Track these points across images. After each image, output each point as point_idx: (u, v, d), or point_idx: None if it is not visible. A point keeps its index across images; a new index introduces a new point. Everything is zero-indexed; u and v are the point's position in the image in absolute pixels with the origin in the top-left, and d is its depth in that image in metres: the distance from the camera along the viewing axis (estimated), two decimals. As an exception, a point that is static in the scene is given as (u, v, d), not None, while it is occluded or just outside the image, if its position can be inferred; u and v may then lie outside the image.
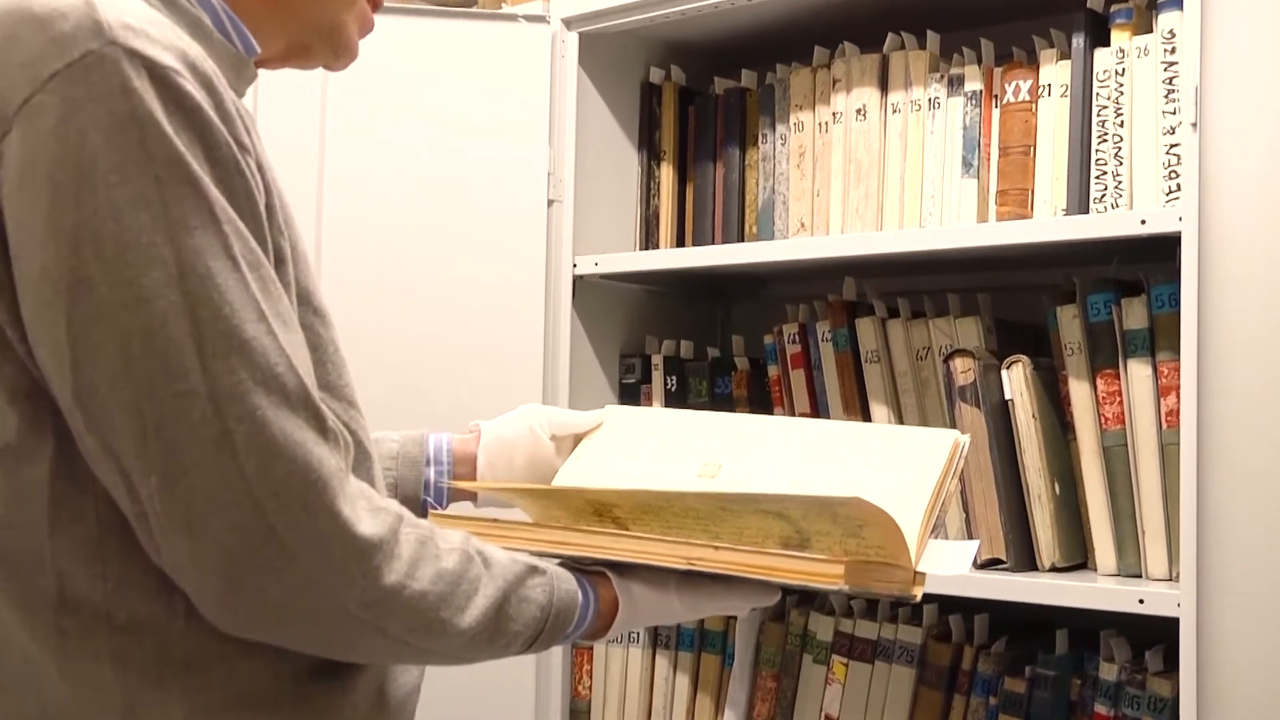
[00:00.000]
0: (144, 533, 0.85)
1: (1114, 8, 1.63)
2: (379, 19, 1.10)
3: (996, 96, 1.72)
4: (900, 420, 1.78)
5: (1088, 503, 1.64)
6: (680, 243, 2.04)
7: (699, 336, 2.10)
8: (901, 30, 1.81)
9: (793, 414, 1.88)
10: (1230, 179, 1.46)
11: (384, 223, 1.93)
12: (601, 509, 1.12)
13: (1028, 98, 1.68)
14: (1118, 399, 1.60)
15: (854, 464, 1.17)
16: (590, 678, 2.00)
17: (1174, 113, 1.55)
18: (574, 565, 1.05)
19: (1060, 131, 1.65)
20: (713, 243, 1.98)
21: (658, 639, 1.97)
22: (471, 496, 1.27)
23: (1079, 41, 1.64)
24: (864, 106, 1.81)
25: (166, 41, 0.84)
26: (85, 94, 0.81)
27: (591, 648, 1.99)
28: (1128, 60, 1.60)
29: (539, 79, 1.96)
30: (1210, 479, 1.44)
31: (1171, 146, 1.55)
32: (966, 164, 1.73)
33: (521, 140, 1.95)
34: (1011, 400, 1.65)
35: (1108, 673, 1.60)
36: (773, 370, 1.91)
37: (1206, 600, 1.44)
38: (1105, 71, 1.62)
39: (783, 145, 1.91)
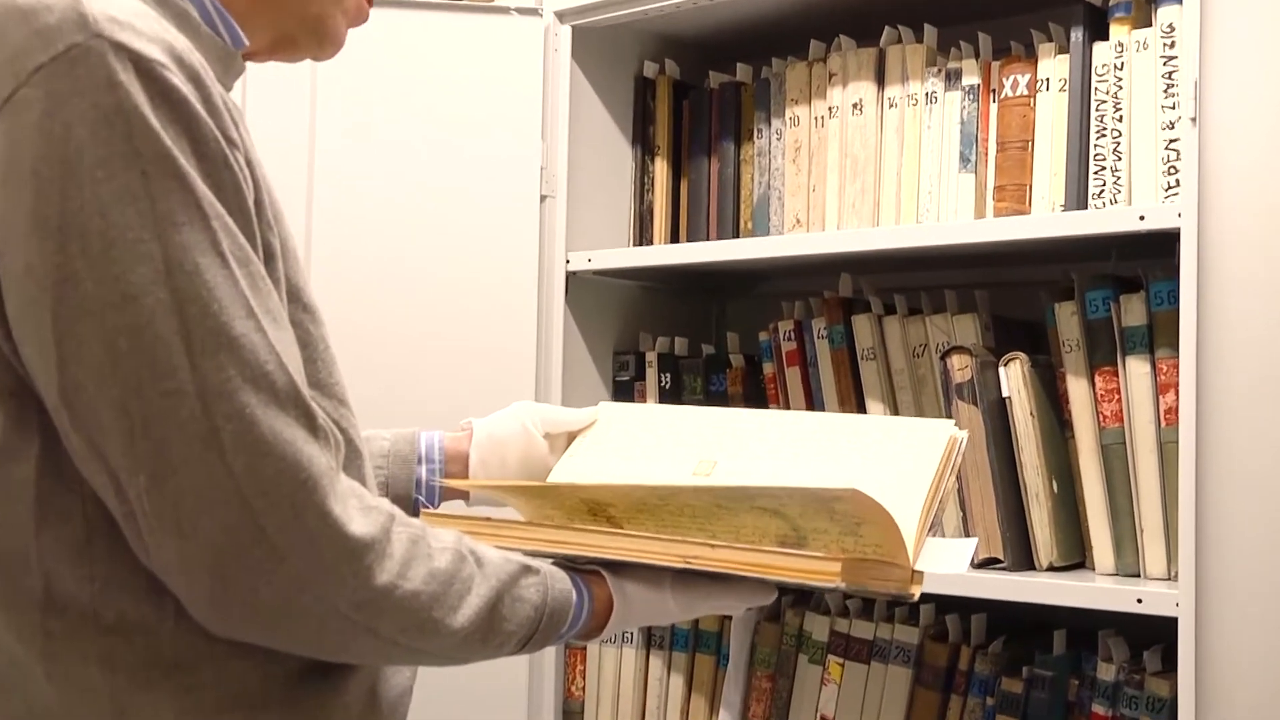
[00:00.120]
0: (132, 533, 0.85)
1: (1113, 1, 1.62)
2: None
3: (994, 91, 1.71)
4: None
5: (1086, 501, 1.63)
6: (674, 239, 2.03)
7: (693, 333, 2.09)
8: (898, 24, 1.81)
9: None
10: (1230, 175, 1.45)
11: (375, 218, 1.92)
12: (596, 507, 1.11)
13: (1026, 92, 1.67)
14: (1116, 397, 1.59)
15: (850, 459, 1.17)
16: (584, 678, 1.99)
17: (1173, 107, 1.54)
18: (568, 564, 1.05)
19: (1058, 126, 1.64)
20: (707, 239, 1.97)
21: (652, 639, 1.96)
22: (464, 495, 1.26)
23: (1077, 35, 1.63)
24: (860, 101, 1.80)
25: (153, 34, 0.83)
26: (70, 88, 0.81)
27: (585, 648, 1.98)
28: (1126, 54, 1.59)
29: (531, 73, 1.95)
30: (1209, 477, 1.44)
31: (1170, 142, 1.54)
32: (964, 159, 1.72)
33: (514, 135, 1.94)
34: (1009, 398, 1.64)
35: (1105, 673, 1.60)
36: (768, 367, 1.91)
37: (1205, 600, 1.43)
38: (1104, 66, 1.61)
39: (778, 140, 1.90)
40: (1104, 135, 1.60)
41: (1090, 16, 1.63)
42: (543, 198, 1.95)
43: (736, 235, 1.94)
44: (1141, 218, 1.51)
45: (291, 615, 0.86)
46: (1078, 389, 1.63)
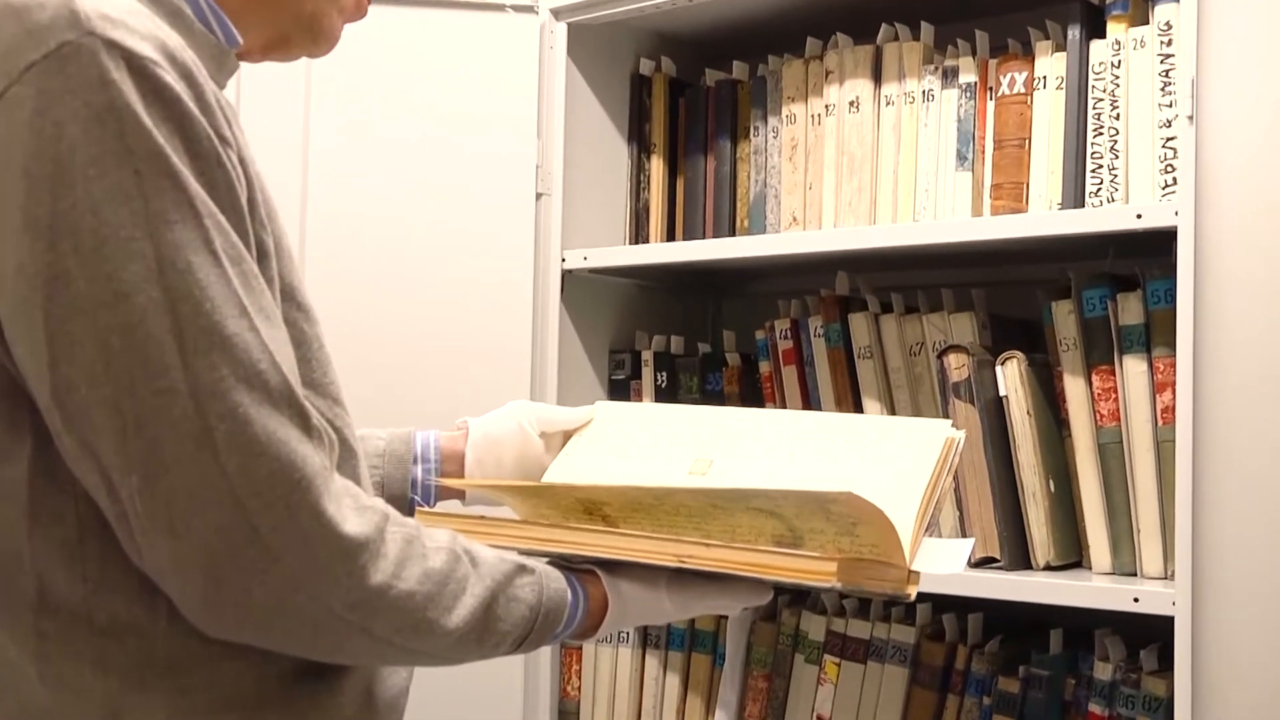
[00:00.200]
0: (125, 534, 0.84)
1: (1110, -1, 1.62)
2: (363, 8, 1.08)
3: (991, 89, 1.70)
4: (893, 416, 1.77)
5: (1082, 500, 1.63)
6: (670, 237, 2.02)
7: (690, 332, 2.09)
8: (895, 21, 1.80)
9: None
10: (1227, 173, 1.44)
11: (370, 217, 1.91)
12: (591, 507, 1.10)
13: (1023, 90, 1.67)
14: (1113, 395, 1.59)
15: (847, 459, 1.16)
16: (579, 678, 1.99)
17: (1170, 105, 1.54)
18: (563, 564, 1.04)
19: (1055, 124, 1.64)
20: (703, 237, 1.97)
21: (647, 638, 1.96)
22: (459, 495, 1.26)
23: (1074, 33, 1.62)
24: (857, 98, 1.80)
25: (145, 32, 0.83)
26: (62, 85, 0.80)
27: (580, 647, 1.98)
28: (1124, 52, 1.59)
29: (527, 70, 1.95)
30: (1206, 476, 1.43)
31: (1168, 140, 1.53)
32: (961, 157, 1.71)
33: (509, 133, 1.94)
34: (1006, 397, 1.64)
35: (1102, 672, 1.59)
36: (764, 366, 1.90)
37: (1202, 599, 1.43)
38: (1101, 64, 1.61)
39: (775, 138, 1.89)
40: (1101, 133, 1.60)
41: (1087, 14, 1.63)
42: (538, 195, 1.94)
43: (733, 233, 1.94)
44: (1138, 216, 1.51)
45: (285, 616, 0.85)
46: (1075, 388, 1.63)
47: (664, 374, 1.99)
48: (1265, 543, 1.41)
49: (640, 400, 1.99)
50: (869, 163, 1.79)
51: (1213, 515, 1.43)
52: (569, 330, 1.97)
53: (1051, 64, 1.65)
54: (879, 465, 1.14)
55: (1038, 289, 1.71)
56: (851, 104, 1.80)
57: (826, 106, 1.83)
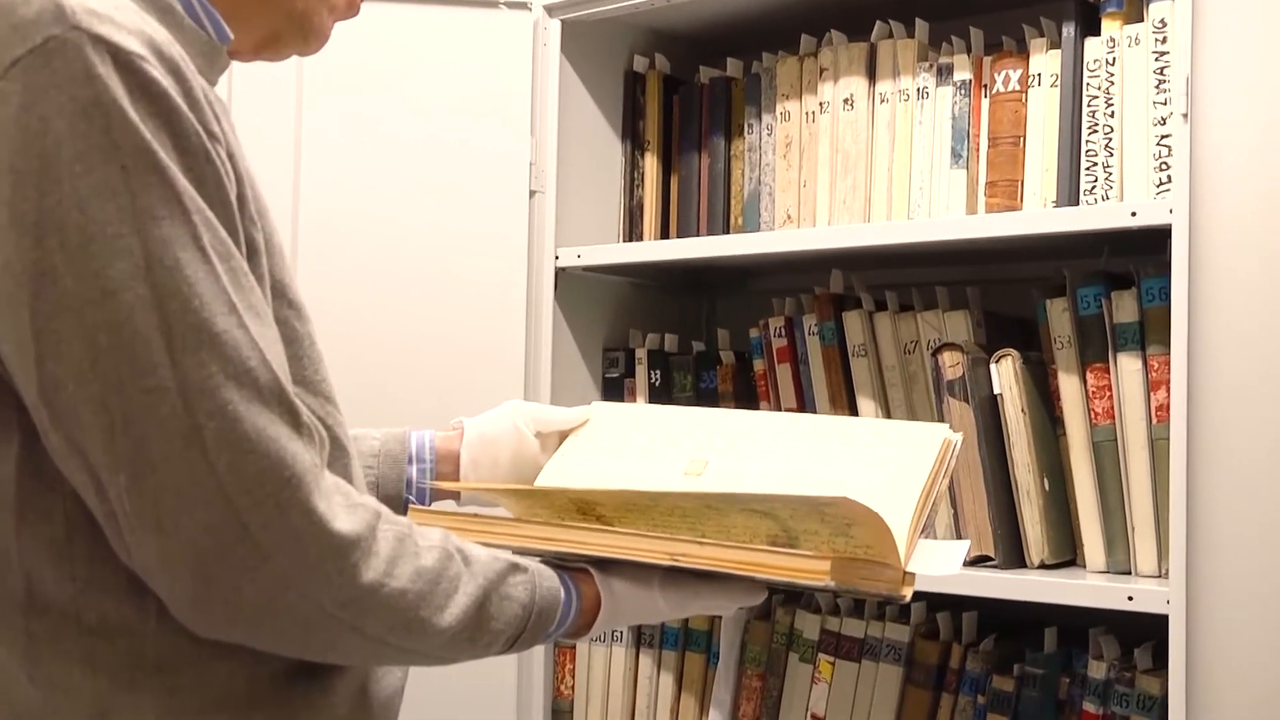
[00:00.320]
0: (113, 532, 0.84)
1: (1105, -4, 1.61)
2: (356, 5, 1.07)
3: (986, 86, 1.70)
4: (888, 415, 1.77)
5: (1077, 499, 1.62)
6: (664, 234, 2.02)
7: (684, 330, 2.09)
8: (890, 18, 1.80)
9: (779, 408, 1.86)
10: (1221, 171, 1.44)
11: (362, 214, 1.91)
12: (585, 508, 1.10)
13: (1017, 87, 1.66)
14: (1107, 393, 1.58)
15: (843, 461, 1.16)
16: (573, 677, 1.99)
17: (1165, 103, 1.53)
18: (556, 562, 1.04)
19: (1050, 122, 1.64)
20: (697, 234, 1.96)
21: (641, 637, 1.95)
22: (454, 495, 1.25)
23: (1069, 30, 1.62)
24: (851, 96, 1.79)
25: (132, 26, 0.83)
26: (48, 80, 0.80)
27: (574, 646, 1.97)
28: (1118, 50, 1.58)
29: (521, 67, 1.94)
30: (1200, 474, 1.43)
31: (1162, 138, 1.53)
32: (955, 155, 1.71)
33: (503, 130, 1.93)
34: (1000, 395, 1.64)
35: (1096, 671, 1.59)
36: (758, 364, 1.90)
37: (1196, 597, 1.43)
38: (1096, 61, 1.60)
39: (769, 135, 1.89)
40: (1096, 131, 1.60)
41: (1082, 11, 1.63)
42: (532, 193, 1.94)
43: (727, 231, 1.94)
44: (1133, 214, 1.51)
45: (276, 614, 0.85)
46: (1069, 386, 1.62)
47: (658, 372, 1.98)
48: (1260, 541, 1.41)
49: (634, 399, 1.99)
50: (863, 160, 1.78)
51: (1207, 513, 1.43)
52: (562, 328, 1.96)
53: (1046, 61, 1.65)
54: (875, 467, 1.14)
55: (1032, 287, 1.71)
56: (846, 101, 1.80)
57: (821, 104, 1.82)
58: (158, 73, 0.82)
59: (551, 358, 1.92)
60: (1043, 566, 1.62)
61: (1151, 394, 1.55)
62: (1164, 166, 1.53)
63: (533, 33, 1.95)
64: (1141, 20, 1.58)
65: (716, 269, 2.09)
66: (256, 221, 0.90)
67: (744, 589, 1.07)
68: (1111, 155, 1.58)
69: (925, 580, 1.07)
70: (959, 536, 1.66)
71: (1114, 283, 1.60)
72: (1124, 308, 1.57)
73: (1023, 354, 1.64)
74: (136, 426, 0.80)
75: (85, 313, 0.80)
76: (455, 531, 0.98)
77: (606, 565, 1.04)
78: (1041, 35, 1.67)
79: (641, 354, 2.00)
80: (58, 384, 0.81)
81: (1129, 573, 1.58)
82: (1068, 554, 1.65)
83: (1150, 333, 1.55)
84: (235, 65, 1.03)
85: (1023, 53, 1.68)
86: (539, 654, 1.91)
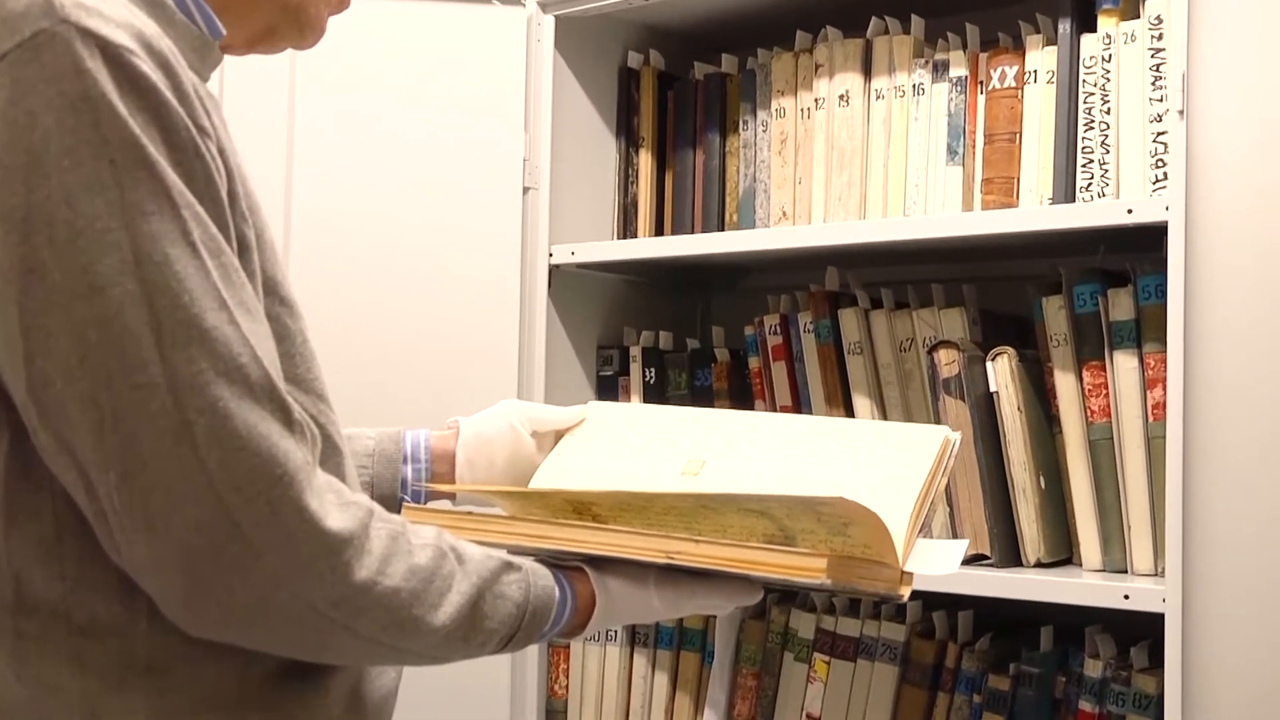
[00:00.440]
0: (103, 531, 0.83)
1: (1101, -8, 1.61)
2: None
3: (982, 83, 1.70)
4: (883, 413, 1.77)
5: (1073, 497, 1.62)
6: (659, 231, 2.01)
7: (678, 328, 2.08)
8: (885, 14, 1.79)
9: (774, 407, 1.86)
10: (1218, 168, 1.44)
11: (355, 211, 1.90)
12: (581, 508, 1.09)
13: (1013, 84, 1.66)
14: (1104, 391, 1.58)
15: (840, 461, 1.15)
16: (567, 677, 1.98)
17: (1161, 100, 1.53)
18: (550, 561, 1.03)
19: (1046, 119, 1.63)
20: (692, 231, 1.96)
21: (636, 637, 1.95)
22: (450, 495, 1.24)
23: (1065, 27, 1.62)
24: (847, 92, 1.78)
25: (121, 20, 0.82)
26: (36, 74, 0.79)
27: (568, 646, 1.97)
28: (1114, 46, 1.58)
29: (514, 63, 1.93)
30: (1197, 472, 1.43)
31: (1158, 134, 1.53)
32: (951, 151, 1.70)
33: (496, 126, 1.93)
34: (996, 393, 1.63)
35: (1092, 669, 1.59)
36: (753, 362, 1.89)
37: (1192, 595, 1.42)
38: (1092, 58, 1.60)
39: (764, 132, 1.88)
40: (1092, 128, 1.59)
41: (1078, 8, 1.62)
42: (525, 190, 1.93)
43: (722, 228, 1.93)
44: (1129, 211, 1.51)
45: (268, 614, 0.84)
46: (1065, 384, 1.62)
47: (652, 370, 1.97)
48: (1256, 539, 1.40)
49: (628, 397, 1.98)
50: (859, 157, 1.78)
51: (1203, 512, 1.43)
52: (556, 326, 1.95)
53: (1042, 58, 1.64)
54: (872, 467, 1.13)
55: (1028, 284, 1.71)
56: (841, 98, 1.79)
57: (816, 100, 1.82)
58: (147, 67, 0.81)
59: (545, 355, 1.92)
60: (1039, 565, 1.62)
61: (1148, 392, 1.54)
62: (1160, 163, 1.52)
63: (526, 28, 1.94)
64: (1138, 17, 1.57)
65: (711, 266, 2.08)
66: (248, 217, 0.89)
67: (740, 588, 1.07)
68: (1108, 152, 1.58)
69: (920, 579, 1.07)
70: (955, 535, 1.66)
71: (1110, 280, 1.60)
72: (1120, 305, 1.57)
73: (1019, 352, 1.64)
74: (126, 423, 0.80)
75: (74, 308, 0.79)
76: (449, 529, 0.97)
77: (602, 564, 1.03)
78: (1037, 32, 1.66)
79: (636, 352, 1.99)
80: (46, 381, 0.80)
81: (1125, 571, 1.58)
82: (1064, 552, 1.65)
83: (1146, 330, 1.55)
84: (226, 58, 1.02)
85: (1019, 49, 1.67)
86: (533, 653, 1.91)
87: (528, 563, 0.99)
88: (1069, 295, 1.61)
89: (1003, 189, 1.66)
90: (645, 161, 2.02)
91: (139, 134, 0.80)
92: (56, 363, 0.80)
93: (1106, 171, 1.58)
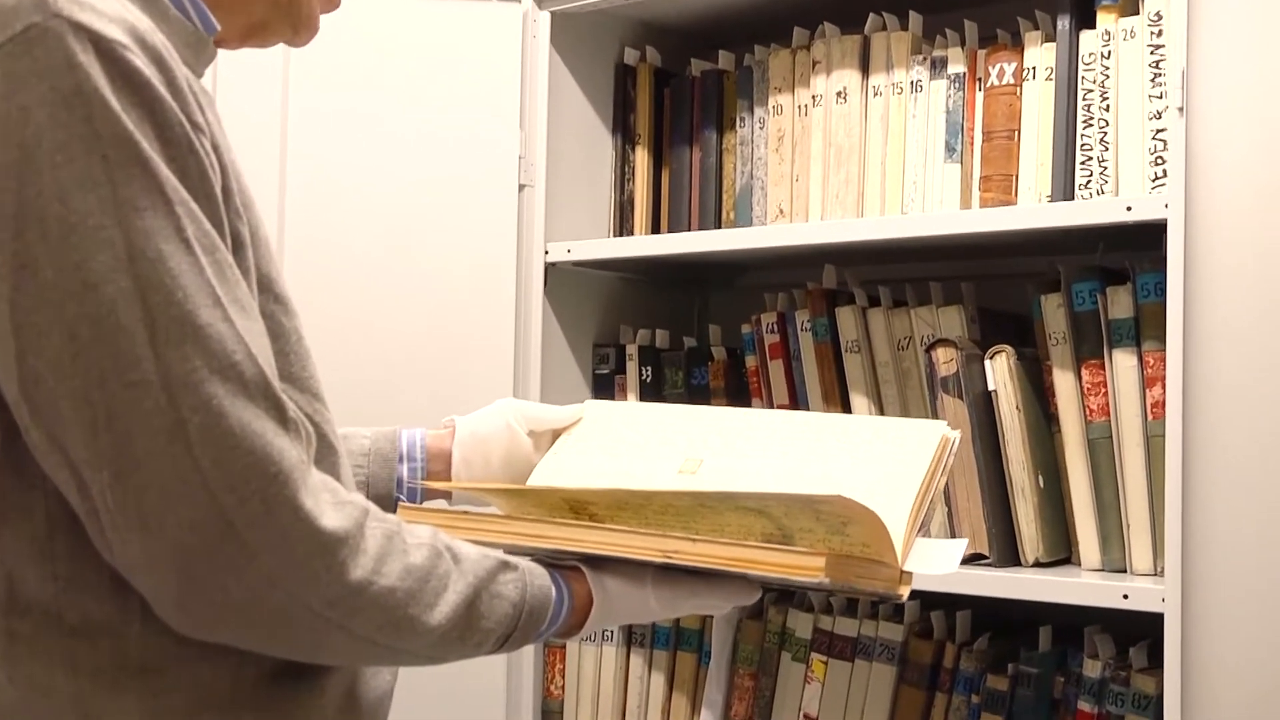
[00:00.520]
0: (96, 530, 0.83)
1: (1100, -11, 1.60)
2: (345, -2, 1.06)
3: (980, 79, 1.69)
4: (881, 412, 1.76)
5: (1072, 496, 1.62)
6: (655, 229, 2.01)
7: (675, 326, 2.07)
8: (883, 11, 1.79)
9: (771, 405, 1.85)
10: (1217, 165, 1.44)
11: (350, 208, 1.89)
12: (578, 507, 1.09)
13: (1012, 81, 1.65)
14: (1103, 390, 1.58)
15: (839, 458, 1.15)
16: (563, 677, 1.97)
17: (1160, 97, 1.52)
18: (547, 561, 1.02)
19: (1045, 116, 1.63)
20: (689, 229, 1.95)
21: (632, 637, 1.94)
22: (446, 495, 1.24)
23: (1064, 23, 1.61)
24: (844, 89, 1.78)
25: (114, 15, 0.82)
26: (28, 69, 0.79)
27: (564, 646, 1.96)
28: (1113, 43, 1.57)
29: (510, 60, 1.93)
30: (1196, 471, 1.43)
31: (1158, 132, 1.52)
32: (949, 149, 1.70)
33: (492, 123, 1.92)
34: (995, 391, 1.63)
35: (1091, 670, 1.58)
36: (750, 360, 1.89)
37: (1192, 595, 1.42)
38: (1091, 54, 1.59)
39: (761, 129, 1.88)
40: (1091, 125, 1.59)
41: (1077, 4, 1.62)
42: (521, 187, 1.92)
43: (719, 226, 1.92)
44: (1128, 208, 1.50)
45: (262, 613, 0.84)
46: (1064, 382, 1.61)
47: (649, 368, 1.97)
48: (1255, 539, 1.40)
49: (625, 395, 1.98)
50: (856, 154, 1.77)
51: (1203, 511, 1.42)
52: (552, 324, 1.95)
53: (1041, 55, 1.64)
54: (871, 465, 1.13)
55: (1027, 282, 1.70)
56: (839, 95, 1.78)
57: (813, 97, 1.81)
58: (140, 61, 0.81)
59: (541, 353, 1.91)
60: (1037, 565, 1.62)
61: (1147, 390, 1.54)
62: (1159, 161, 1.52)
63: (522, 25, 1.93)
64: (1137, 13, 1.57)
65: (708, 264, 2.07)
66: (242, 214, 0.89)
67: (738, 588, 1.06)
68: (1107, 149, 1.57)
69: (919, 578, 1.06)
70: (953, 534, 1.65)
71: (1109, 278, 1.59)
72: (1119, 303, 1.57)
73: (1017, 350, 1.63)
74: (119, 422, 0.79)
75: (66, 306, 0.79)
76: (445, 529, 0.97)
77: (599, 563, 1.03)
78: (1036, 28, 1.66)
79: (632, 350, 1.99)
80: (38, 378, 0.80)
81: (1124, 571, 1.57)
82: (1062, 552, 1.65)
83: (1146, 328, 1.54)
84: (220, 54, 1.01)
85: (1017, 46, 1.67)
86: (528, 654, 1.90)
87: (524, 562, 0.99)
88: (1068, 293, 1.61)
89: (1001, 186, 1.65)
90: (642, 159, 2.01)
91: (132, 129, 0.79)
92: (48, 360, 0.79)
93: (1105, 169, 1.57)
